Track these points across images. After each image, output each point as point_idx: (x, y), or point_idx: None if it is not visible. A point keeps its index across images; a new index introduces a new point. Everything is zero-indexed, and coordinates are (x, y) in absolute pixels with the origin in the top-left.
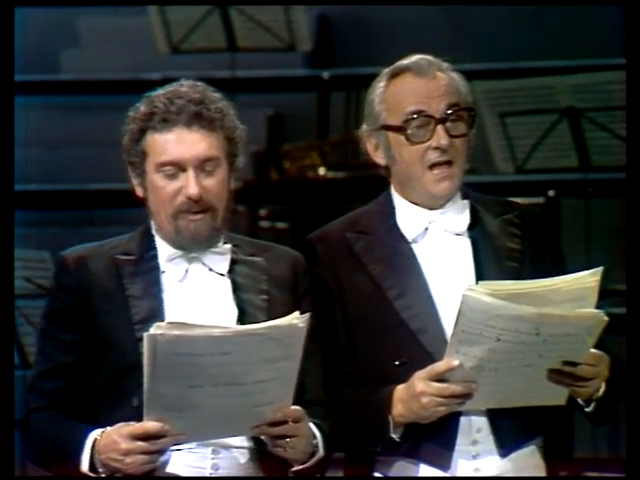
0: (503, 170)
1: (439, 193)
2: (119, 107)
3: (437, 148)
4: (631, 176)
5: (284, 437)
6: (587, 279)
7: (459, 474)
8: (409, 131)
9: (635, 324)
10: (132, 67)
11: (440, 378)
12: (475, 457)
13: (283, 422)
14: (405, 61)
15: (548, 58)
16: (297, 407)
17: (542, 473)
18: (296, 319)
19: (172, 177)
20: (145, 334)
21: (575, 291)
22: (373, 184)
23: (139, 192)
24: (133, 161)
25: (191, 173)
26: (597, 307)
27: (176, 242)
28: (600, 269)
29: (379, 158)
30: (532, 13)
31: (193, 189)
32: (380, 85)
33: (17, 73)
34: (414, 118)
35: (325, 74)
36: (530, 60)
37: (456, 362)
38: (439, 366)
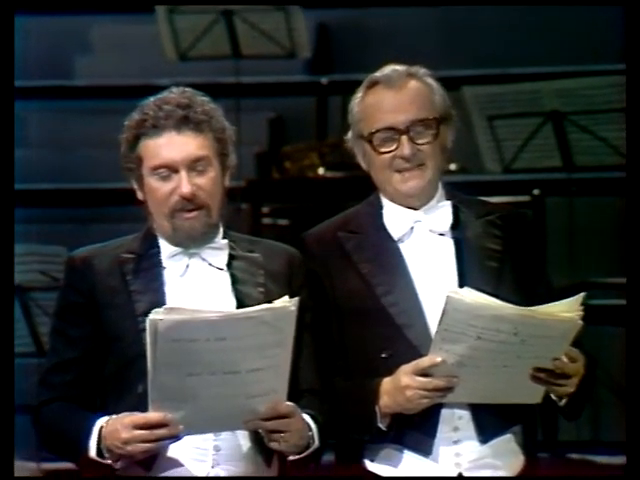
0: (491, 170)
1: (408, 192)
2: (130, 111)
3: (401, 157)
4: (631, 175)
5: (278, 432)
6: (565, 323)
7: (441, 459)
8: (375, 143)
9: (635, 317)
10: (142, 73)
11: (424, 373)
12: (456, 442)
13: (276, 417)
14: (378, 73)
15: (534, 64)
16: (289, 403)
17: (518, 458)
18: (287, 302)
19: (166, 179)
20: (147, 319)
21: (551, 330)
22: (368, 183)
23: (139, 196)
24: (130, 167)
25: (183, 174)
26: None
27: (174, 240)
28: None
29: (362, 163)
30: (520, 23)
31: (185, 188)
32: (358, 96)
33: (34, 79)
34: (380, 131)
35: (324, 80)
36: (517, 66)
37: (439, 359)
38: (423, 362)
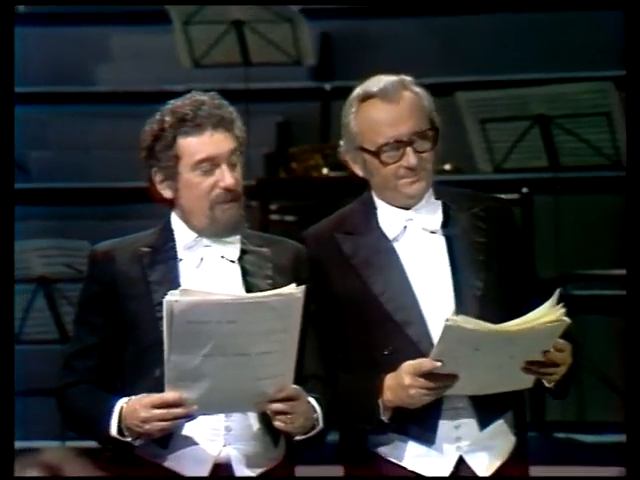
0: (483, 169)
1: (411, 193)
2: (148, 115)
3: (407, 167)
4: (631, 174)
5: (285, 414)
6: (553, 324)
7: (443, 444)
8: (382, 157)
9: (635, 309)
10: (158, 80)
11: (425, 374)
12: (457, 428)
13: (283, 399)
14: (372, 85)
15: (523, 71)
16: (296, 387)
17: (510, 439)
18: (294, 290)
19: (207, 173)
20: (163, 300)
21: (541, 332)
22: (368, 182)
23: (167, 194)
24: (165, 166)
25: (224, 167)
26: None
27: (210, 231)
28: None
29: (357, 170)
30: (511, 32)
31: (229, 180)
32: (352, 110)
33: (57, 85)
34: (386, 144)
35: (327, 86)
36: (507, 73)
37: (439, 364)
38: (425, 364)
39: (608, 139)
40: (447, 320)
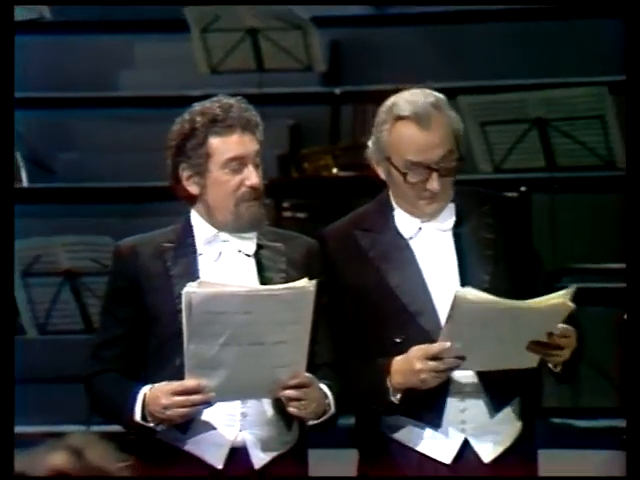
0: (483, 170)
1: (429, 212)
2: (168, 118)
3: (430, 190)
4: (630, 172)
5: (298, 400)
6: (557, 307)
7: (448, 427)
8: (408, 177)
9: (634, 300)
10: (178, 85)
11: (435, 357)
12: (462, 411)
13: (297, 386)
14: (407, 107)
15: (522, 76)
16: (308, 374)
17: (516, 425)
18: (306, 284)
19: (235, 172)
20: (182, 292)
21: (546, 315)
22: (376, 182)
23: (193, 190)
24: (195, 163)
25: (251, 167)
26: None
27: (234, 227)
28: (568, 294)
29: (380, 172)
30: (510, 40)
31: (255, 179)
32: (385, 127)
33: (84, 91)
34: (414, 165)
35: (337, 90)
36: (507, 78)
37: (448, 344)
38: (434, 348)
39: (602, 141)
40: (457, 292)
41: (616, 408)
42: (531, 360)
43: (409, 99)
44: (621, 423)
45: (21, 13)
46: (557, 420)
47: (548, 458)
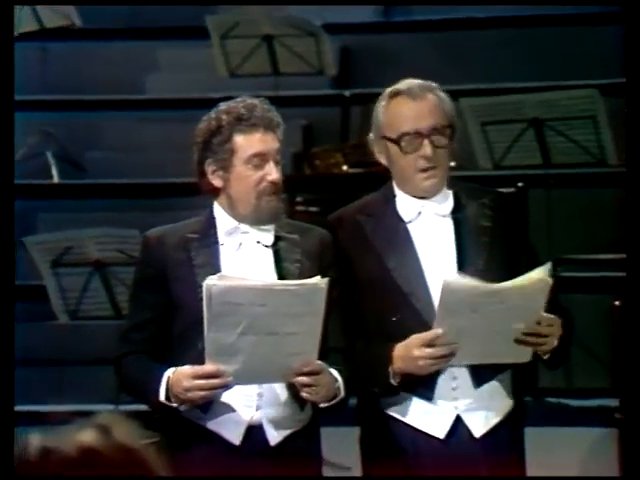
0: (483, 166)
1: (426, 189)
2: (190, 119)
3: (424, 157)
4: (630, 171)
5: (309, 386)
6: (536, 282)
7: (442, 403)
8: (402, 144)
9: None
10: (199, 88)
11: (430, 344)
12: (454, 389)
13: (308, 373)
14: (402, 85)
15: (519, 80)
16: (319, 362)
17: (507, 401)
18: (319, 281)
19: (257, 167)
20: (203, 284)
21: (528, 291)
22: (383, 178)
23: (217, 183)
24: (220, 158)
25: (272, 163)
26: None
27: (254, 219)
28: (545, 269)
29: (381, 159)
30: (508, 46)
31: (276, 175)
32: (382, 104)
33: (112, 93)
34: (407, 134)
35: (346, 93)
36: (505, 81)
37: (440, 330)
38: (429, 335)
39: (594, 140)
40: (444, 279)
41: (607, 388)
42: (524, 354)
43: (403, 82)
44: (611, 402)
45: (51, 20)
46: (552, 400)
47: (543, 435)
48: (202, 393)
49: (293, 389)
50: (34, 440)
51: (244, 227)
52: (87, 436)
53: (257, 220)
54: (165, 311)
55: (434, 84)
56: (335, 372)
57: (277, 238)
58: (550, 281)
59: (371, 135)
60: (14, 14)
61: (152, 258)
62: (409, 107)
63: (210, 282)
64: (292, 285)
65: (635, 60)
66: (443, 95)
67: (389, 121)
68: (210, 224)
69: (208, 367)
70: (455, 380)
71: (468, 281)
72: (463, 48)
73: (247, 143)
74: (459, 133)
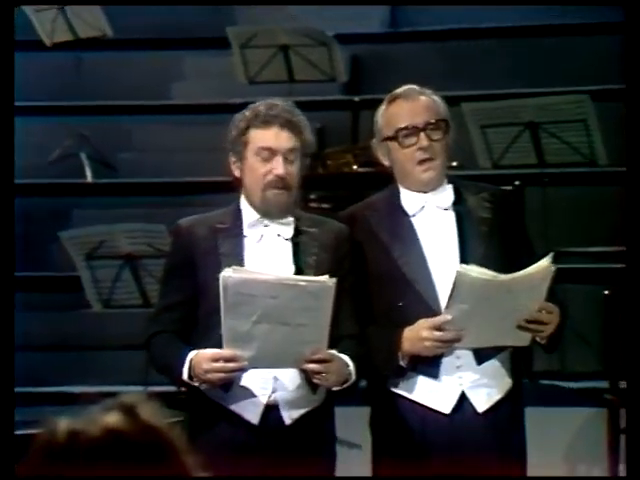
0: (483, 166)
1: (425, 180)
2: (213, 123)
3: (421, 148)
4: (630, 170)
5: (320, 373)
6: (542, 270)
7: (447, 380)
8: (400, 138)
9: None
10: (220, 94)
11: (439, 327)
12: (458, 368)
13: (318, 361)
14: (399, 90)
15: (516, 86)
16: (329, 351)
17: (506, 381)
18: (327, 279)
19: (265, 161)
20: (220, 275)
21: (534, 280)
22: (389, 177)
23: (236, 173)
24: (237, 149)
25: (279, 158)
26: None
27: (261, 209)
28: (549, 258)
29: (385, 161)
30: (507, 54)
31: (281, 169)
32: (382, 109)
33: (141, 99)
34: (403, 129)
35: (356, 98)
36: (503, 88)
37: (449, 316)
38: (438, 319)
39: (585, 141)
40: (459, 269)
41: (597, 372)
42: (524, 339)
43: (401, 88)
44: (602, 384)
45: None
46: (546, 382)
47: (539, 414)
48: (220, 375)
49: (306, 373)
50: (61, 423)
51: (265, 220)
52: (112, 417)
53: (264, 211)
54: (193, 296)
55: (429, 90)
56: (347, 358)
57: (297, 231)
58: (553, 268)
59: (374, 141)
60: (16, 16)
61: (182, 245)
62: (404, 107)
63: (226, 274)
64: (302, 281)
65: (634, 62)
66: (436, 97)
67: (387, 122)
68: (236, 216)
69: (225, 352)
70: (459, 359)
71: (482, 272)
72: (465, 56)
73: (259, 137)
74: (461, 135)
